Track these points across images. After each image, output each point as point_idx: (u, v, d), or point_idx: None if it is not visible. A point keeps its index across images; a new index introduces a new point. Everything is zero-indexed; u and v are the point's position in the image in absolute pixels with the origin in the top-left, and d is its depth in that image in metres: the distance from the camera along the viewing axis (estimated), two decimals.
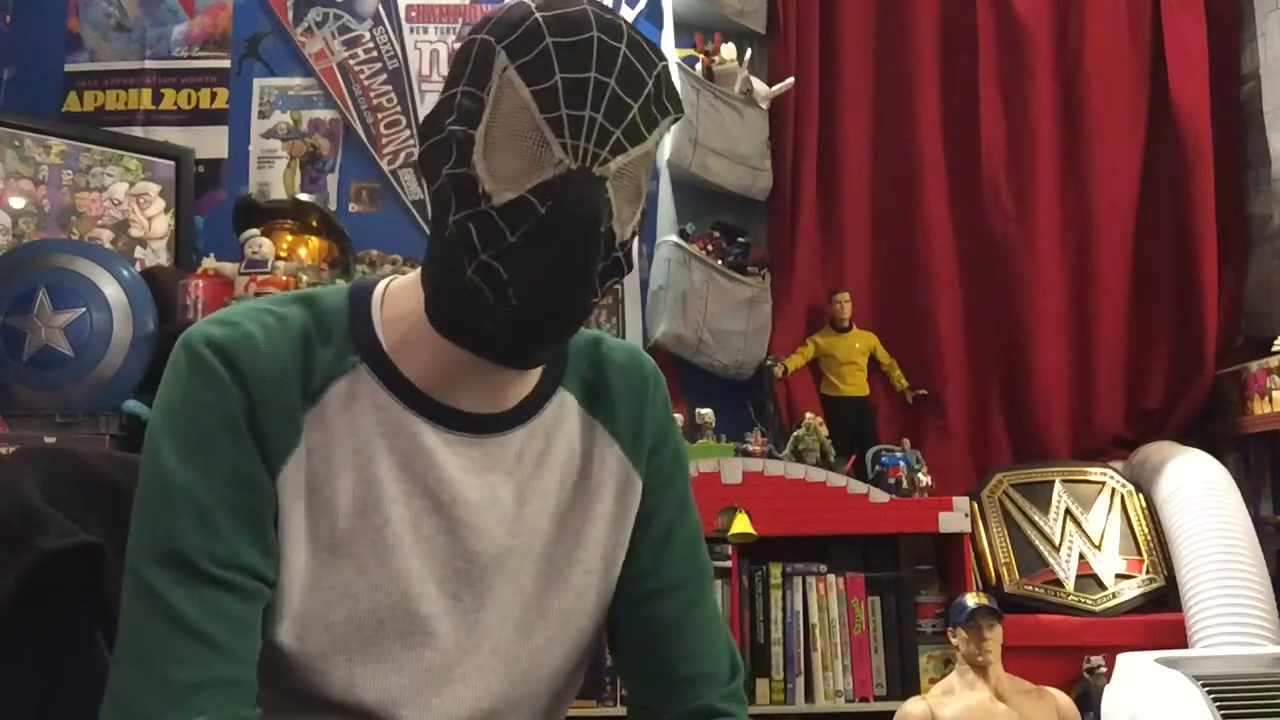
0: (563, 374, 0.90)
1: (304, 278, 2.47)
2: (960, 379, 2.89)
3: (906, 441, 2.64)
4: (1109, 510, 2.64)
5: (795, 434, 2.53)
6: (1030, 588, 2.52)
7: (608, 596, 0.91)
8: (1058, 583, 2.53)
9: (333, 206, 2.93)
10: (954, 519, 2.41)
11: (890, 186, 2.97)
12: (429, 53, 3.07)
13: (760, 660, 2.37)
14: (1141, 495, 2.66)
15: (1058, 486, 2.68)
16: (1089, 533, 2.60)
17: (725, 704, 0.90)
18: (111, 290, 2.37)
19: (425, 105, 3.02)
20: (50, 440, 2.12)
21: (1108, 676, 2.27)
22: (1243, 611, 2.25)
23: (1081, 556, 2.57)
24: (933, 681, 2.29)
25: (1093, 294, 2.92)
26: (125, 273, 2.43)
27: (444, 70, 3.05)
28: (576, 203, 0.73)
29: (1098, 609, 2.48)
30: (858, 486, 2.44)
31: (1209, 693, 1.97)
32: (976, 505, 2.61)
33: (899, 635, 2.41)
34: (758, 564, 2.41)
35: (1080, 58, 2.97)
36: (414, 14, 3.08)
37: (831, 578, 2.43)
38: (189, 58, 3.04)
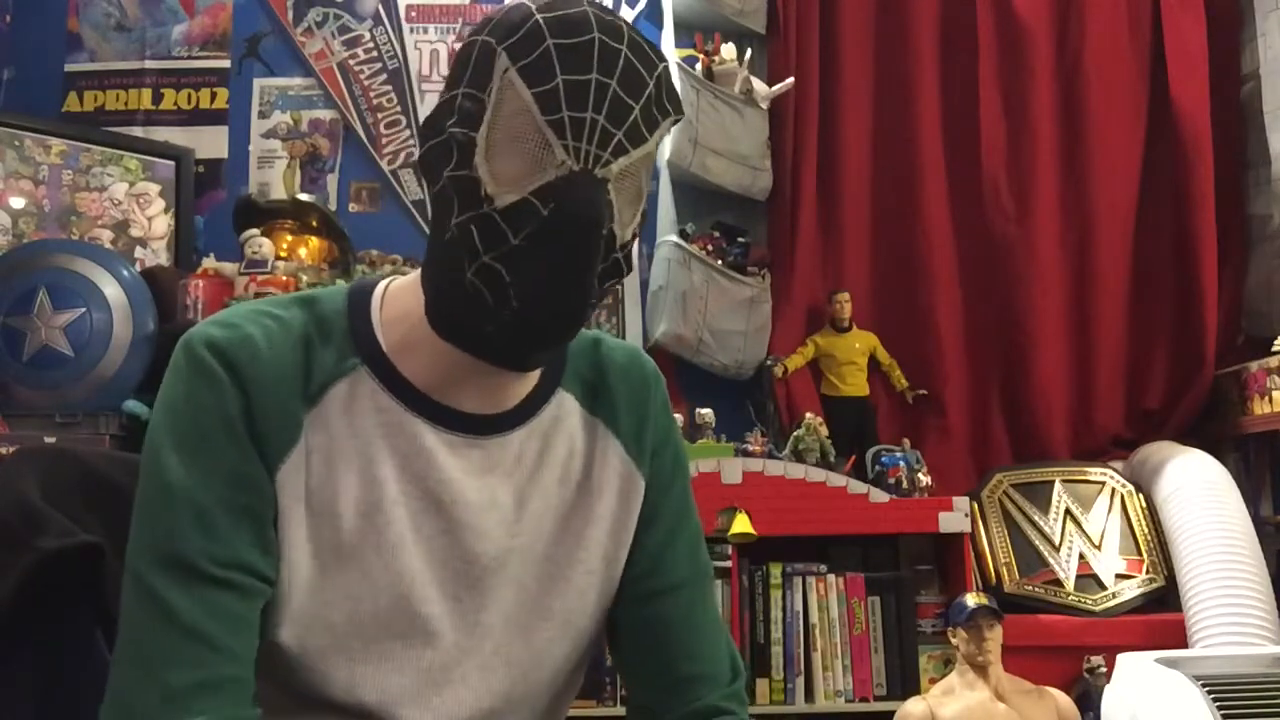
0: (561, 375, 0.90)
1: (304, 278, 2.47)
2: (960, 379, 2.89)
3: (906, 441, 2.64)
4: (1109, 510, 2.64)
5: (795, 434, 2.53)
6: (1030, 588, 2.52)
7: (609, 597, 0.91)
8: (1058, 583, 2.53)
9: (333, 206, 2.93)
10: (954, 519, 2.41)
11: (890, 186, 2.97)
12: (429, 53, 3.07)
13: (760, 660, 2.37)
14: (1141, 495, 2.66)
15: (1058, 486, 2.68)
16: (1089, 533, 2.60)
17: (727, 703, 0.90)
18: (111, 290, 2.38)
19: (425, 105, 3.02)
20: (50, 440, 2.12)
21: (1108, 676, 2.27)
22: (1243, 611, 2.25)
23: (1081, 556, 2.57)
24: (933, 681, 2.29)
25: (1093, 294, 2.92)
26: (125, 273, 2.43)
27: (444, 70, 3.05)
28: (579, 204, 0.73)
29: (1098, 609, 2.48)
30: (858, 486, 2.44)
31: (1209, 693, 1.97)
32: (976, 505, 2.61)
33: (899, 635, 2.41)
34: (758, 564, 2.41)
35: (1080, 58, 2.97)
36: (414, 14, 3.08)
37: (831, 578, 2.43)
38: (189, 58, 3.04)
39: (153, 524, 0.75)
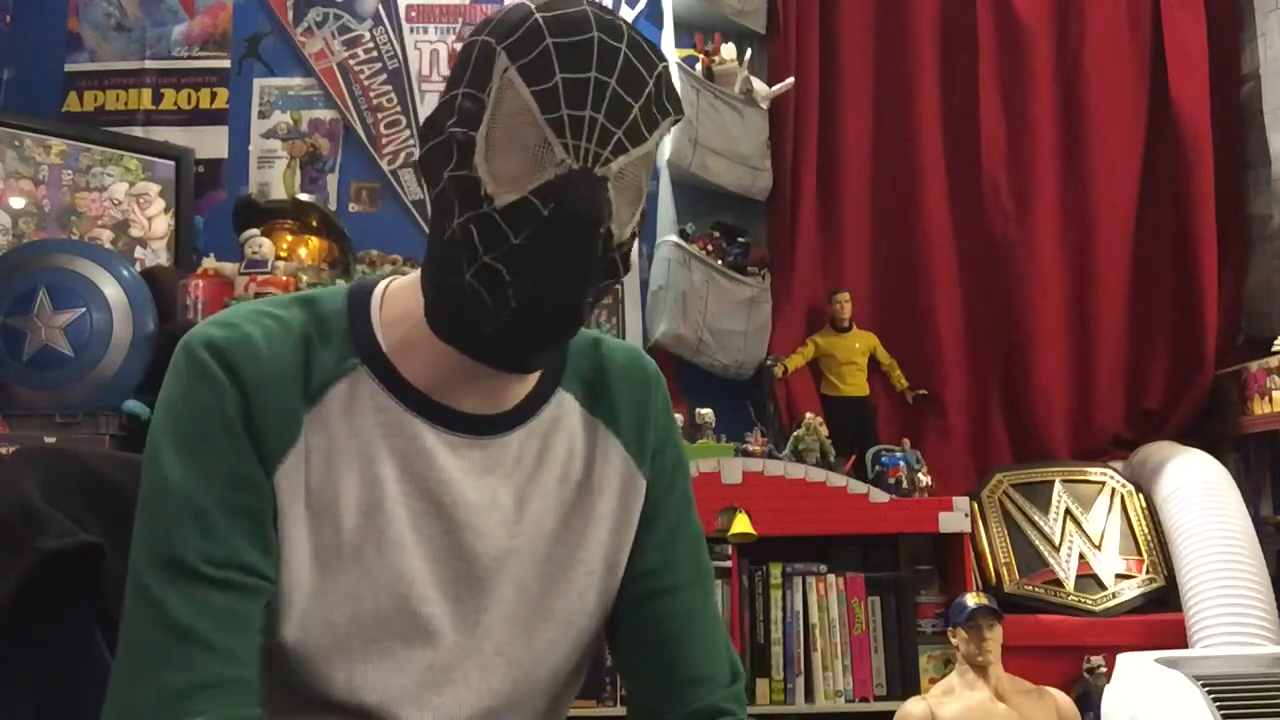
0: (561, 375, 0.90)
1: (304, 278, 2.47)
2: (960, 379, 2.89)
3: (906, 441, 2.64)
4: (1109, 510, 2.64)
5: (795, 434, 2.53)
6: (1030, 588, 2.52)
7: (610, 597, 0.91)
8: (1058, 583, 2.53)
9: (333, 206, 2.93)
10: (954, 519, 2.41)
11: (890, 186, 2.97)
12: (429, 53, 3.07)
13: (760, 660, 2.37)
14: (1141, 495, 2.66)
15: (1058, 486, 2.68)
16: (1089, 533, 2.60)
17: (727, 704, 0.90)
18: (111, 290, 2.38)
19: (425, 105, 3.02)
20: (50, 440, 2.12)
21: (1108, 676, 2.27)
22: (1243, 611, 2.25)
23: (1081, 556, 2.57)
24: (933, 681, 2.29)
25: (1093, 294, 2.92)
26: (125, 273, 2.44)
27: (444, 70, 3.05)
28: (579, 203, 0.73)
29: (1098, 609, 2.48)
30: (858, 486, 2.44)
31: (1209, 693, 1.97)
32: (976, 505, 2.61)
33: (899, 635, 2.41)
34: (758, 564, 2.41)
35: (1080, 58, 2.97)
36: (414, 14, 3.08)
37: (831, 578, 2.43)
38: (189, 58, 3.04)
39: (151, 525, 0.75)
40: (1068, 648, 2.39)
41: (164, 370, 0.80)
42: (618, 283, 0.81)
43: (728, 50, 2.86)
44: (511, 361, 0.81)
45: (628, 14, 2.99)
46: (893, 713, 2.18)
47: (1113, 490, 2.68)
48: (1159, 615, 2.47)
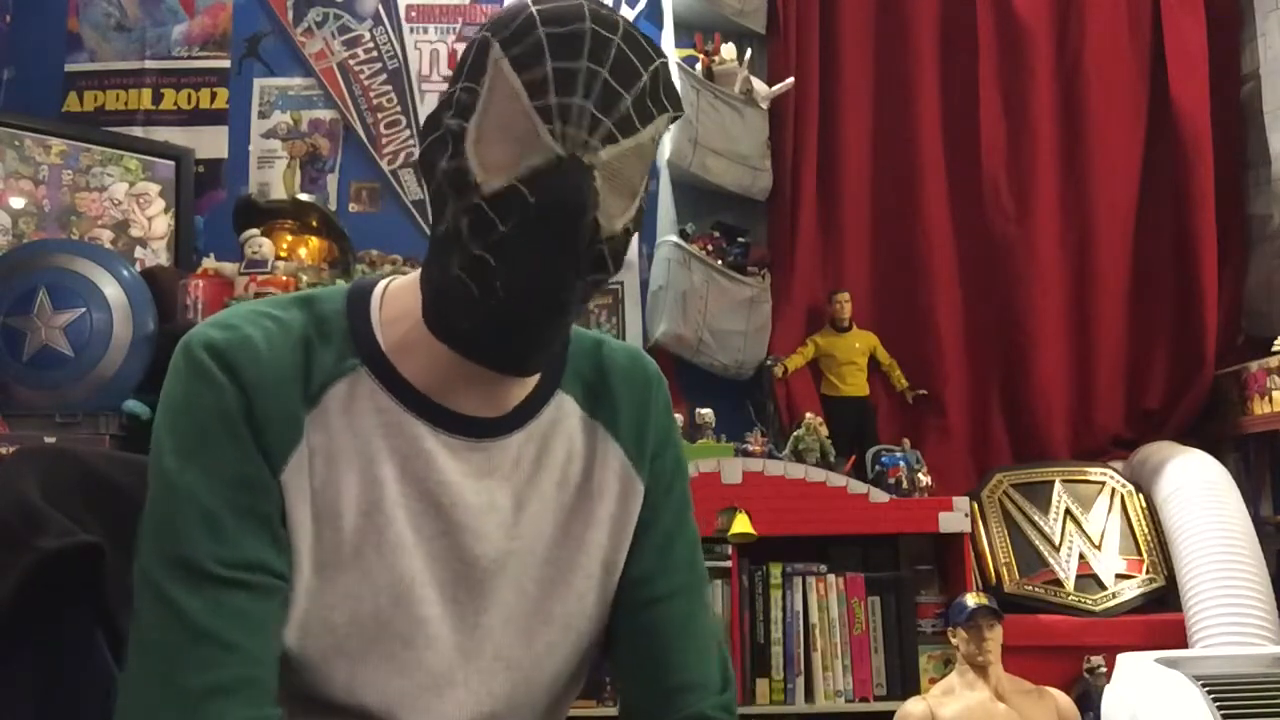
0: (561, 377, 0.90)
1: (304, 278, 2.47)
2: (960, 379, 2.89)
3: (906, 441, 2.64)
4: (1109, 510, 2.64)
5: (795, 434, 2.53)
6: (1030, 588, 2.52)
7: (608, 600, 0.91)
8: (1058, 583, 2.53)
9: (333, 206, 2.93)
10: (954, 519, 2.41)
11: (890, 186, 2.97)
12: (429, 53, 3.07)
13: (760, 660, 2.37)
14: (1141, 495, 2.66)
15: (1058, 486, 2.68)
16: (1089, 533, 2.60)
17: (716, 713, 0.90)
18: (111, 290, 2.38)
19: (425, 105, 3.02)
20: (50, 440, 2.12)
21: (1108, 676, 2.27)
22: (1243, 611, 2.25)
23: (1081, 556, 2.57)
24: (933, 681, 2.29)
25: (1093, 294, 2.92)
26: (125, 273, 2.44)
27: (444, 70, 3.06)
28: (565, 190, 0.72)
29: (1098, 609, 2.48)
30: (858, 486, 2.44)
31: (1209, 693, 1.97)
32: (976, 505, 2.61)
33: (899, 635, 2.41)
34: (758, 564, 2.41)
35: (1080, 58, 2.97)
36: (414, 14, 3.08)
37: (831, 578, 2.43)
38: (189, 58, 3.05)
39: (160, 527, 0.75)
40: (1068, 648, 2.39)
41: (164, 370, 0.80)
42: (609, 279, 0.79)
43: (728, 50, 2.86)
44: (502, 359, 0.80)
45: (628, 13, 2.99)
46: (893, 713, 2.18)
47: (1113, 490, 2.68)
48: (1159, 615, 2.47)
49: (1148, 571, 2.55)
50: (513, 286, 0.74)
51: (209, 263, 2.57)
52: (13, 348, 2.30)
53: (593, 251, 0.75)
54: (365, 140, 3.01)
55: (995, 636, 2.12)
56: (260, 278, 2.43)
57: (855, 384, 2.77)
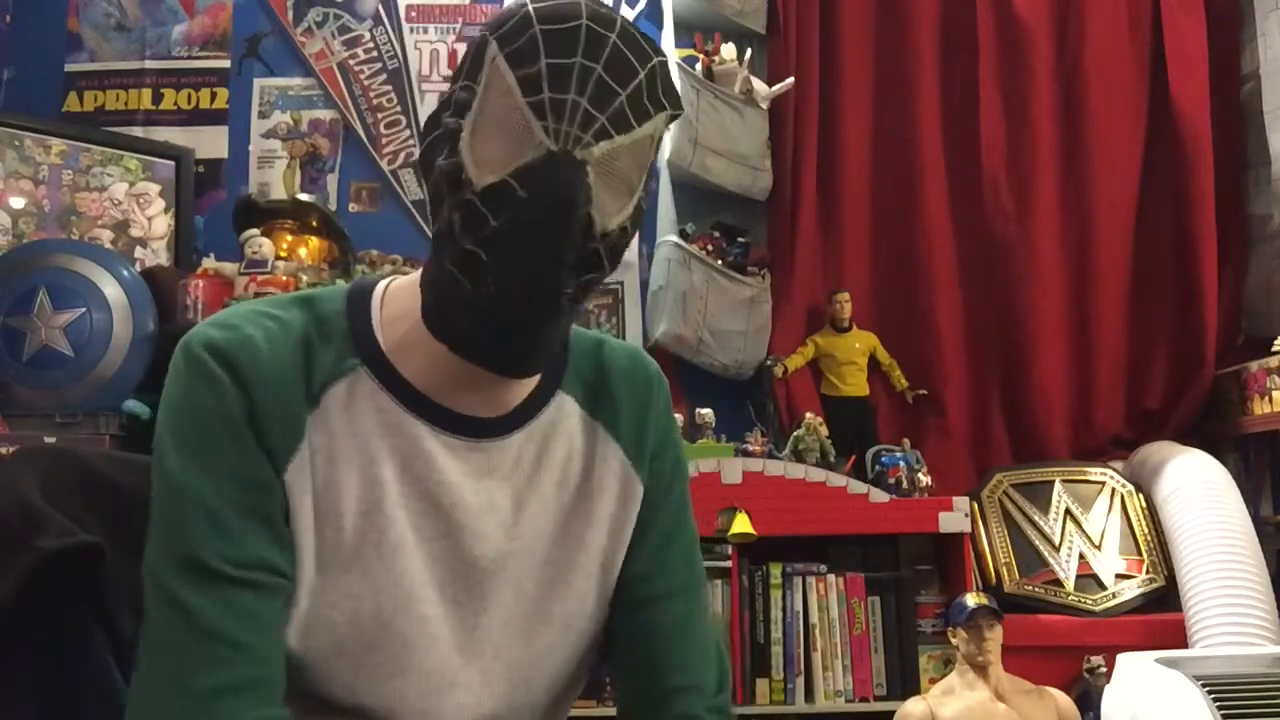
0: (561, 377, 0.90)
1: (304, 278, 2.47)
2: (960, 379, 2.89)
3: (906, 441, 2.64)
4: (1109, 510, 2.64)
5: (795, 434, 2.53)
6: (1030, 588, 2.52)
7: (607, 600, 0.91)
8: (1058, 583, 2.53)
9: (333, 206, 2.93)
10: (954, 519, 2.41)
11: (890, 186, 2.97)
12: (429, 53, 3.07)
13: (760, 660, 2.37)
14: (1141, 495, 2.66)
15: (1058, 486, 2.68)
16: (1089, 533, 2.60)
17: (710, 716, 0.90)
18: (111, 290, 2.38)
19: (425, 105, 3.02)
20: (50, 440, 2.12)
21: (1108, 676, 2.27)
22: (1243, 611, 2.25)
23: (1081, 556, 2.57)
24: (933, 681, 2.29)
25: (1093, 294, 2.92)
26: (125, 273, 2.43)
27: (444, 70, 3.06)
28: (557, 185, 0.72)
29: (1098, 609, 2.48)
30: (858, 486, 2.44)
31: (1209, 693, 1.97)
32: (976, 505, 2.61)
33: (899, 635, 2.41)
34: (758, 564, 2.41)
35: (1080, 58, 2.97)
36: (414, 14, 3.08)
37: (831, 578, 2.43)
38: (189, 58, 3.04)
39: (166, 528, 0.75)
40: (1068, 648, 2.39)
41: (164, 370, 0.80)
42: (604, 278, 0.79)
43: (728, 50, 2.86)
44: (501, 361, 0.80)
45: (627, 13, 2.99)
46: (893, 713, 2.18)
47: (1113, 490, 2.68)
48: (1159, 615, 2.47)
49: (1148, 571, 2.55)
50: (504, 281, 0.74)
51: (209, 263, 2.56)
52: (13, 348, 2.30)
53: (587, 249, 0.75)
54: (365, 140, 3.01)
55: (995, 636, 2.12)
56: (260, 278, 2.43)
57: (855, 384, 2.77)
